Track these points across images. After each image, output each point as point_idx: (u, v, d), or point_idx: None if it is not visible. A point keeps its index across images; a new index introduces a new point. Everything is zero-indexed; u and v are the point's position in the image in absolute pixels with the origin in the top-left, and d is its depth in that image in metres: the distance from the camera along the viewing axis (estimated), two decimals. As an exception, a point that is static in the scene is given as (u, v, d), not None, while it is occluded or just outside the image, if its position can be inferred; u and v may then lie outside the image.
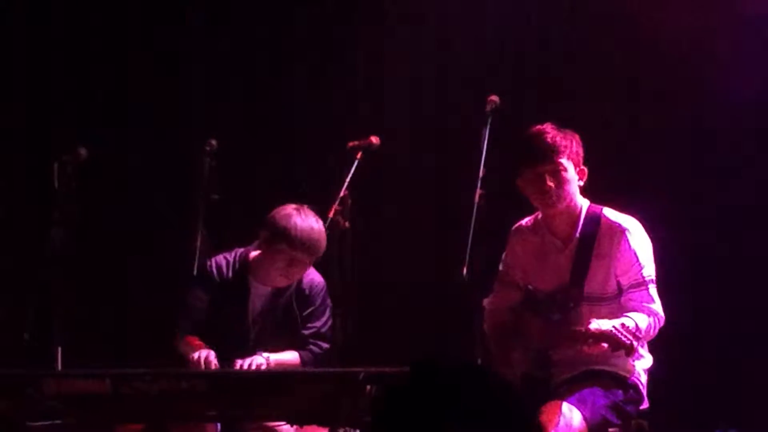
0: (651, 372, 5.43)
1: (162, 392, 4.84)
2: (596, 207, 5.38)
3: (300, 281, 5.74)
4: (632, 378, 5.33)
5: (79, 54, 7.70)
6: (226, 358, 5.55)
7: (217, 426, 5.48)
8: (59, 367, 5.63)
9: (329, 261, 5.62)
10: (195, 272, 5.87)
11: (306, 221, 5.57)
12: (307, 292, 5.76)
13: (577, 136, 5.33)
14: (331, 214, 5.45)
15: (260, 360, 5.55)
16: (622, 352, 5.07)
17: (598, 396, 5.20)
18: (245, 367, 5.49)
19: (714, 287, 6.71)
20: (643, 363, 5.38)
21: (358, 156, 5.56)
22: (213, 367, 5.46)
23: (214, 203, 5.97)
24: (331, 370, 5.42)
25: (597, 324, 5.05)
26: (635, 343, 5.03)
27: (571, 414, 5.10)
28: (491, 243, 5.36)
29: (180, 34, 7.70)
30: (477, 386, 2.57)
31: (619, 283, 5.30)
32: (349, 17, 7.61)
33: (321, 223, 5.55)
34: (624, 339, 5.01)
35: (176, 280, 6.18)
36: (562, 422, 5.06)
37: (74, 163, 5.75)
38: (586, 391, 5.20)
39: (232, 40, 7.68)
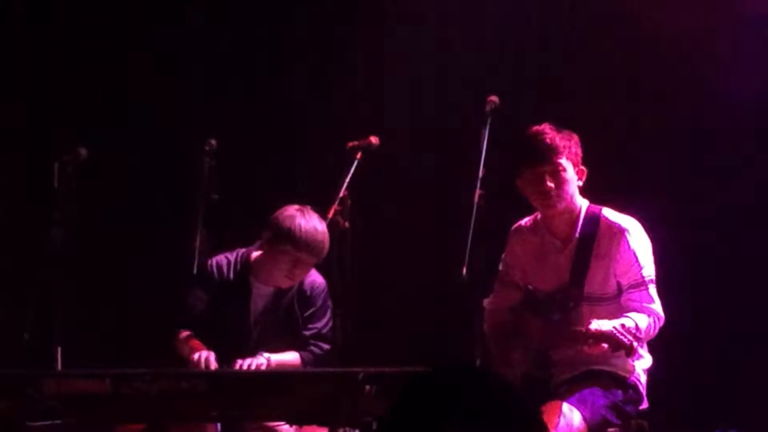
0: (651, 372, 5.43)
1: (162, 392, 4.84)
2: (595, 207, 5.38)
3: (301, 282, 5.74)
4: (632, 378, 5.33)
5: (79, 54, 7.69)
6: (227, 359, 5.55)
7: (217, 426, 5.48)
8: (59, 367, 5.63)
9: (329, 261, 5.62)
10: (194, 272, 5.86)
11: (310, 222, 5.57)
12: (308, 293, 5.76)
13: (575, 136, 5.33)
14: (330, 215, 5.45)
15: (261, 360, 5.55)
16: (622, 353, 5.07)
17: (597, 396, 5.21)
18: (245, 367, 5.49)
19: (714, 287, 6.71)
20: (642, 363, 5.38)
21: (358, 156, 5.56)
22: (213, 368, 5.45)
23: (214, 203, 5.97)
24: (331, 370, 5.42)
25: (597, 324, 5.05)
26: (635, 344, 5.03)
27: (571, 414, 5.11)
28: (491, 243, 5.35)
29: (180, 34, 7.70)
30: (477, 387, 2.56)
31: (618, 284, 5.30)
32: (349, 17, 7.61)
33: (324, 224, 5.55)
34: (624, 339, 5.01)
35: (176, 280, 6.18)
36: (562, 422, 5.07)
37: (74, 163, 5.75)
38: (586, 392, 5.20)
39: (232, 40, 7.68)
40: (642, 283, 5.28)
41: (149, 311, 7.20)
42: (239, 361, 5.52)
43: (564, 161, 5.27)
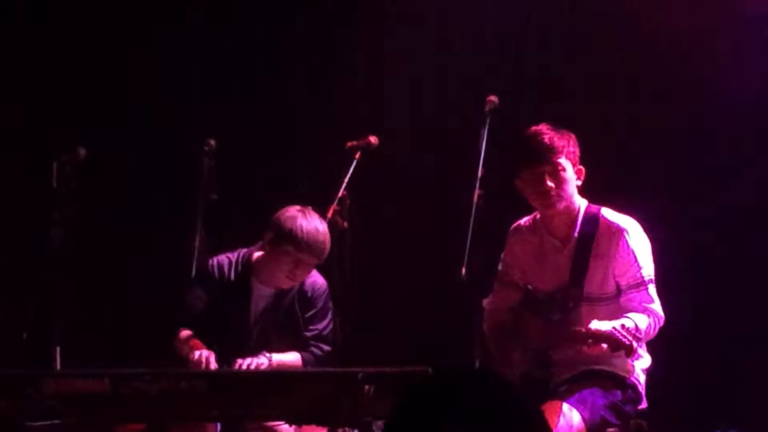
0: (651, 372, 5.43)
1: (161, 392, 4.84)
2: (594, 207, 5.38)
3: (302, 283, 5.74)
4: (631, 378, 5.33)
5: (79, 54, 7.69)
6: (227, 359, 5.55)
7: (217, 426, 5.48)
8: (58, 367, 5.63)
9: (328, 261, 5.62)
10: (194, 272, 5.86)
11: (311, 223, 5.57)
12: (309, 294, 5.76)
13: (573, 136, 5.33)
14: (329, 215, 5.45)
15: (262, 360, 5.55)
16: (621, 353, 5.07)
17: (597, 396, 5.21)
18: (246, 366, 5.48)
19: (714, 287, 6.70)
20: (641, 363, 5.38)
21: (357, 156, 5.56)
22: (212, 368, 5.45)
23: (213, 203, 5.97)
24: (330, 370, 5.42)
25: (597, 324, 5.05)
26: (635, 344, 5.03)
27: (570, 414, 5.11)
28: (490, 243, 5.35)
29: (180, 34, 7.70)
30: (477, 388, 2.56)
31: (618, 284, 5.30)
32: (349, 17, 7.61)
33: (325, 224, 5.55)
34: (624, 340, 5.01)
35: (176, 280, 6.18)
36: (562, 422, 5.07)
37: (73, 163, 5.75)
38: (585, 392, 5.20)
39: (232, 40, 7.68)
40: (641, 283, 5.28)
41: (149, 311, 7.19)
42: (239, 361, 5.52)
43: (563, 161, 5.27)
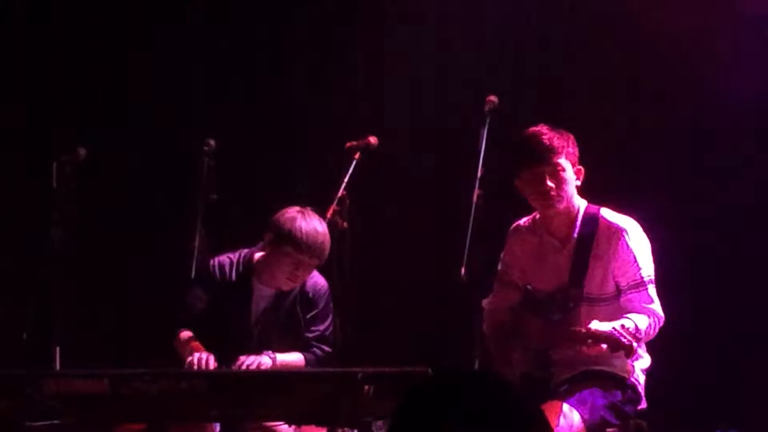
0: (650, 372, 5.43)
1: (161, 392, 4.84)
2: (594, 207, 5.37)
3: (304, 284, 5.74)
4: (631, 379, 5.33)
5: (79, 54, 7.69)
6: (227, 359, 5.55)
7: (216, 426, 5.48)
8: (58, 367, 5.63)
9: (328, 261, 5.62)
10: (193, 272, 5.86)
11: (310, 224, 5.57)
12: (310, 295, 5.76)
13: (572, 137, 5.33)
14: (329, 215, 5.45)
15: (266, 360, 5.55)
16: (621, 353, 5.07)
17: (597, 396, 5.21)
18: (249, 364, 5.49)
19: (714, 287, 6.70)
20: (641, 363, 5.38)
21: (356, 156, 5.56)
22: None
23: (213, 203, 5.97)
24: (330, 370, 5.42)
25: (597, 325, 5.05)
26: (635, 344, 5.03)
27: (570, 414, 5.11)
28: (490, 243, 5.35)
29: (180, 34, 7.70)
30: (477, 388, 2.56)
31: (617, 284, 5.30)
32: (349, 17, 7.61)
33: (325, 225, 5.55)
34: (624, 340, 5.00)
35: (176, 280, 6.18)
36: (562, 422, 5.07)
37: (73, 163, 5.75)
38: (585, 392, 5.20)
39: (232, 40, 7.67)
40: (641, 284, 5.27)
41: (149, 311, 7.19)
42: (242, 358, 5.52)
43: (563, 161, 5.27)
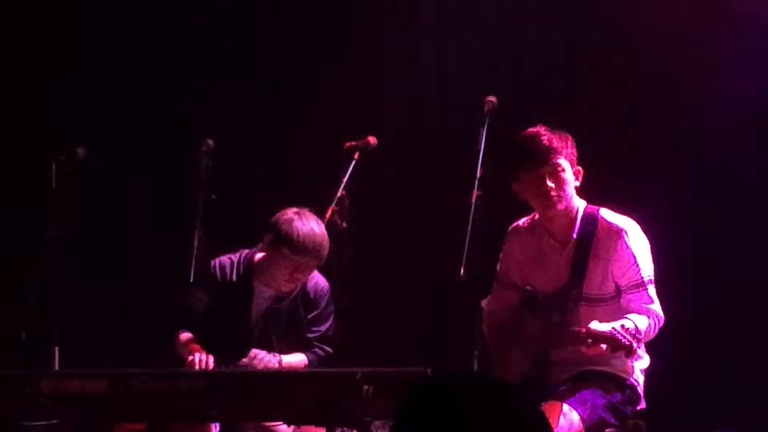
0: (650, 372, 5.43)
1: (160, 392, 4.84)
2: (593, 208, 5.37)
3: (305, 284, 5.74)
4: (630, 379, 5.33)
5: (78, 54, 7.69)
6: (227, 360, 5.55)
7: (215, 426, 5.48)
8: (56, 367, 5.62)
9: (327, 261, 5.61)
10: (192, 272, 5.85)
11: (307, 225, 5.57)
12: (311, 295, 5.76)
13: (570, 137, 5.33)
14: (328, 215, 5.45)
15: (274, 361, 5.55)
16: (621, 353, 5.06)
17: (596, 396, 5.21)
18: (262, 358, 5.48)
19: (714, 287, 6.70)
20: (640, 363, 5.38)
21: (356, 156, 5.56)
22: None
23: (212, 203, 5.96)
24: (329, 370, 5.43)
25: (596, 325, 5.05)
26: (635, 345, 5.03)
27: (570, 414, 5.11)
28: (489, 243, 5.34)
29: (180, 34, 7.69)
30: (477, 390, 2.56)
31: (617, 285, 5.30)
32: (349, 17, 7.60)
33: (322, 226, 5.55)
34: (623, 340, 5.00)
35: (175, 281, 6.17)
36: (562, 421, 5.07)
37: (71, 163, 5.75)
38: (585, 392, 5.20)
39: (232, 40, 7.67)
40: (641, 284, 5.27)
41: (148, 311, 7.19)
42: (255, 351, 5.52)
43: (563, 161, 5.27)
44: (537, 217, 5.43)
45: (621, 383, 5.30)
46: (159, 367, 5.36)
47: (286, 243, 5.56)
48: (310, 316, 5.75)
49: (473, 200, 5.16)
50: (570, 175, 5.29)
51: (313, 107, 7.53)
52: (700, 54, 6.80)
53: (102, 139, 7.12)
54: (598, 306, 5.29)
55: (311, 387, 4.81)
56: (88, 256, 7.23)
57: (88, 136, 6.62)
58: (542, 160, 5.24)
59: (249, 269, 5.78)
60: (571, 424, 5.10)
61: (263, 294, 5.78)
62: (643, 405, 5.37)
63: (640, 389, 5.36)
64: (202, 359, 5.45)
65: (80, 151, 5.77)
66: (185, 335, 5.71)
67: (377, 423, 4.88)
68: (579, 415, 5.11)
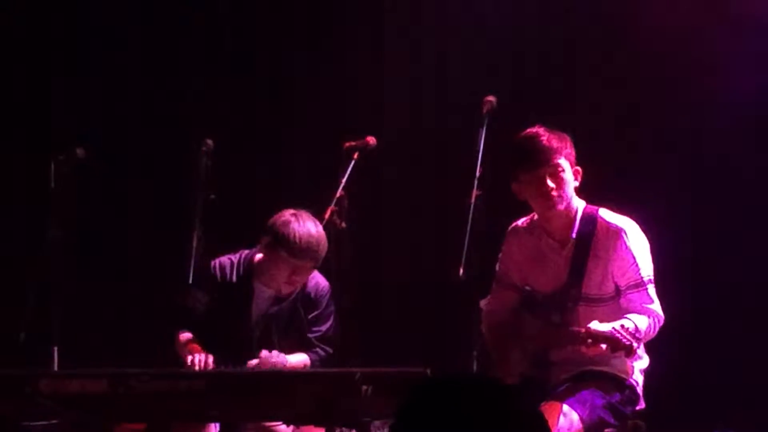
0: (650, 372, 5.43)
1: (160, 392, 4.84)
2: (592, 208, 5.37)
3: (305, 284, 5.74)
4: (630, 379, 5.33)
5: (78, 54, 7.69)
6: (228, 361, 5.55)
7: (215, 426, 5.48)
8: (56, 368, 5.62)
9: (326, 261, 5.61)
10: (192, 273, 5.85)
11: (304, 228, 5.57)
12: (312, 295, 5.76)
13: (568, 137, 5.32)
14: (327, 215, 5.45)
15: (281, 362, 5.56)
16: (620, 353, 5.06)
17: (596, 397, 5.21)
18: (270, 358, 5.49)
19: (714, 287, 6.70)
20: (640, 364, 5.38)
21: (355, 156, 5.56)
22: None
23: (211, 203, 5.96)
24: (328, 370, 5.43)
25: (596, 325, 5.05)
26: (635, 344, 5.03)
27: (570, 414, 5.11)
28: (488, 243, 5.34)
29: (180, 34, 7.70)
30: (476, 392, 2.56)
31: (617, 285, 5.30)
32: (349, 17, 7.60)
33: (319, 226, 5.55)
34: (624, 340, 5.00)
35: (175, 281, 6.17)
36: (562, 421, 5.07)
37: (71, 163, 5.75)
38: (585, 392, 5.20)
39: (232, 40, 7.67)
40: (641, 284, 5.27)
41: (148, 311, 7.19)
42: (265, 352, 5.52)
43: (562, 161, 5.27)
44: (536, 217, 5.43)
45: (620, 383, 5.30)
46: (159, 367, 5.35)
47: (282, 246, 5.57)
48: (310, 316, 5.75)
49: (472, 200, 5.16)
50: (570, 175, 5.29)
51: (313, 107, 7.53)
52: (700, 54, 6.80)
53: (102, 139, 7.13)
54: (597, 306, 5.29)
55: (311, 387, 4.82)
56: (88, 256, 7.23)
57: (88, 136, 6.64)
58: (543, 161, 5.24)
59: (249, 270, 5.78)
60: (571, 424, 5.10)
61: (263, 294, 5.78)
62: (642, 405, 5.37)
63: (640, 389, 5.36)
64: (201, 359, 5.45)
65: (80, 151, 5.77)
66: (185, 335, 5.71)
67: (376, 423, 4.88)
68: (578, 415, 5.11)
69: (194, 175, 5.87)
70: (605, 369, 5.30)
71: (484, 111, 5.37)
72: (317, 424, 5.13)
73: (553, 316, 5.34)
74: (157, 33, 7.66)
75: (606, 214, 5.35)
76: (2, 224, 7.48)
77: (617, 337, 5.00)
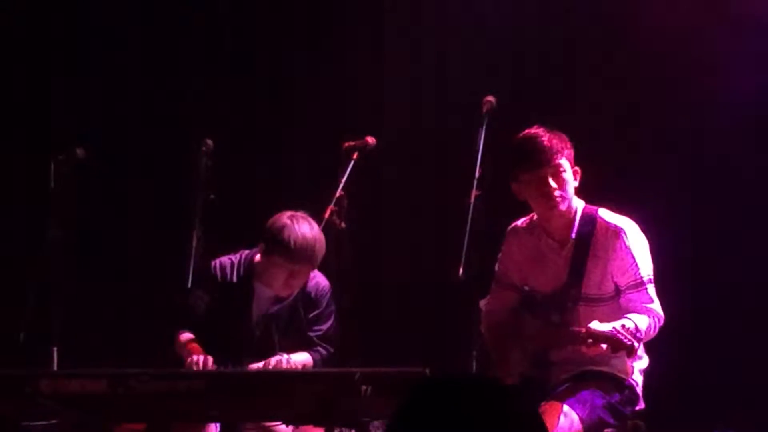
0: (650, 372, 5.43)
1: (159, 392, 4.84)
2: (591, 208, 5.37)
3: (305, 284, 5.74)
4: (629, 379, 5.33)
5: (78, 54, 7.69)
6: (228, 361, 5.55)
7: (215, 426, 5.48)
8: (56, 368, 5.62)
9: (326, 261, 5.62)
10: (191, 273, 5.85)
11: (299, 231, 5.56)
12: (312, 295, 5.76)
13: (567, 137, 5.32)
14: (326, 215, 5.45)
15: (282, 360, 5.56)
16: (620, 353, 5.07)
17: (596, 397, 5.21)
18: (281, 363, 5.50)
19: (714, 287, 6.70)
20: (639, 364, 5.38)
21: (354, 156, 5.56)
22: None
23: (211, 203, 5.97)
24: (328, 370, 5.43)
25: (597, 325, 5.05)
26: (636, 344, 5.03)
27: (570, 414, 5.11)
28: (487, 243, 5.34)
29: (180, 34, 7.70)
30: (475, 392, 2.56)
31: (617, 284, 5.30)
32: (349, 17, 7.60)
33: (316, 229, 5.55)
34: (624, 340, 5.00)
35: (174, 281, 6.17)
36: (562, 421, 5.07)
37: (71, 163, 5.75)
38: (585, 393, 5.20)
39: (232, 40, 7.67)
40: (641, 284, 5.27)
41: (147, 311, 7.19)
42: (277, 358, 5.55)
43: (563, 161, 5.27)
44: (535, 217, 5.43)
45: (620, 383, 5.30)
46: (159, 367, 5.35)
47: (278, 250, 5.57)
48: (311, 316, 5.75)
49: (472, 200, 5.16)
50: (570, 176, 5.29)
51: (313, 107, 7.53)
52: (700, 54, 6.80)
53: (102, 139, 7.13)
54: (597, 306, 5.29)
55: (310, 387, 4.81)
56: (88, 256, 7.23)
57: (88, 136, 6.64)
58: (544, 161, 5.24)
59: (249, 270, 5.78)
60: (571, 424, 5.10)
61: (264, 294, 5.78)
62: (642, 405, 5.37)
63: (639, 389, 5.36)
64: (200, 360, 5.45)
65: (80, 151, 5.77)
66: (185, 336, 5.71)
67: (376, 423, 4.88)
68: (578, 415, 5.11)
69: (194, 175, 5.88)
70: (605, 369, 5.30)
71: (484, 111, 5.38)
72: (317, 424, 5.13)
73: (552, 316, 5.34)
74: (157, 33, 7.66)
75: (605, 214, 5.35)
76: (2, 224, 7.48)
77: (618, 337, 5.00)
